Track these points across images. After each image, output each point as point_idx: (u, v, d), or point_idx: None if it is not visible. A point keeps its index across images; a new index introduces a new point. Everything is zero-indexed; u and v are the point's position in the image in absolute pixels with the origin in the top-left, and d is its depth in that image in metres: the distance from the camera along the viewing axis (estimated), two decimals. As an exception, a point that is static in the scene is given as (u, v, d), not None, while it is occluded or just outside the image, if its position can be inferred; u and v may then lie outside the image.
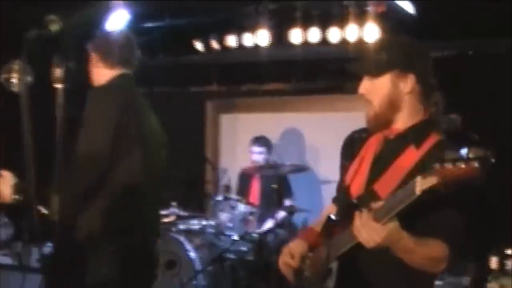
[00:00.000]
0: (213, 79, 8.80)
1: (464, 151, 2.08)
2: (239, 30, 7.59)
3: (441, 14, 6.34)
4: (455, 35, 6.73)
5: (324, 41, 7.08)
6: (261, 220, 7.09)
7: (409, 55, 2.66)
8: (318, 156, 8.21)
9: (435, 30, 6.51)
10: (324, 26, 7.04)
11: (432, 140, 2.59)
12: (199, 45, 7.85)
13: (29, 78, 7.93)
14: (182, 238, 6.52)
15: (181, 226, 6.88)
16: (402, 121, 2.68)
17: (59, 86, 1.39)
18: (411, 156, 2.58)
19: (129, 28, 7.62)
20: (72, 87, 1.39)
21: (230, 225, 6.86)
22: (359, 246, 2.42)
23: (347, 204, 2.69)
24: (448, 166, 2.09)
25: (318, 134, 8.20)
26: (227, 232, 6.83)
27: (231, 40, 7.65)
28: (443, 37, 6.73)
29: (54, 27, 1.33)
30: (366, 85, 2.71)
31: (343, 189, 2.88)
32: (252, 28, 7.47)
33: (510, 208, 6.10)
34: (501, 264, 5.26)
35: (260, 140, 7.68)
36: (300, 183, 7.94)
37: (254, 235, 6.78)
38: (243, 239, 6.72)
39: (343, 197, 2.84)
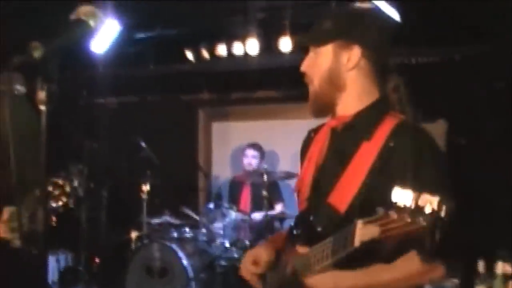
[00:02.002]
0: (204, 87, 8.87)
1: (409, 196, 1.64)
2: (228, 39, 7.68)
3: (425, 20, 6.41)
4: (440, 40, 6.81)
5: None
6: (253, 227, 7.14)
7: (355, 24, 2.27)
8: (309, 162, 8.30)
9: (421, 36, 6.59)
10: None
11: (387, 125, 2.19)
12: (189, 54, 7.93)
13: (21, 89, 7.94)
14: (174, 246, 6.57)
15: (174, 234, 6.93)
16: (348, 105, 2.29)
17: (42, 108, 1.46)
18: (364, 153, 2.18)
19: (120, 39, 7.75)
20: (55, 109, 1.46)
21: (222, 232, 6.91)
22: None
23: (299, 218, 2.43)
24: (393, 216, 1.67)
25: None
26: (219, 240, 6.89)
27: (221, 49, 7.73)
28: (428, 43, 6.82)
29: (37, 53, 1.40)
30: (308, 61, 2.35)
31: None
32: (241, 37, 7.56)
33: (497, 210, 6.17)
34: (489, 267, 5.32)
35: (255, 146, 7.76)
36: (291, 190, 8.01)
37: (246, 242, 6.84)
38: (235, 246, 6.78)
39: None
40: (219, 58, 7.79)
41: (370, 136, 2.18)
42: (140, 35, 7.85)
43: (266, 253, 2.47)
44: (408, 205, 1.63)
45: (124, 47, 7.97)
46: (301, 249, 2.16)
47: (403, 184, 1.67)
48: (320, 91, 2.29)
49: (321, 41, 2.28)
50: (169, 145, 8.42)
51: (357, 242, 1.80)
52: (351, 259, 1.91)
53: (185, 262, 6.46)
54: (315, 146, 2.44)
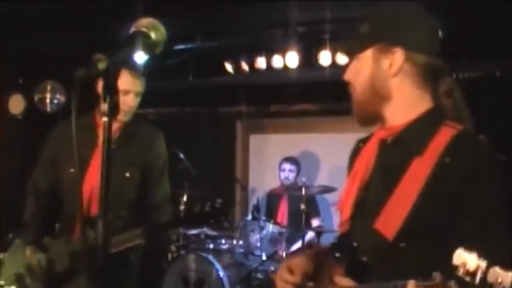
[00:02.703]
0: (243, 100, 8.90)
1: (474, 263, 1.36)
2: (268, 52, 7.70)
3: (467, 35, 6.37)
4: (481, 56, 6.76)
5: (352, 63, 7.14)
6: (289, 241, 7.13)
7: (395, 24, 2.04)
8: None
9: (462, 51, 6.55)
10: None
11: (443, 138, 1.92)
12: (229, 67, 7.96)
13: (62, 98, 8.01)
14: (211, 257, 6.58)
15: (210, 246, 6.95)
16: (397, 115, 2.06)
17: (105, 119, 1.48)
18: (416, 170, 1.92)
19: (161, 51, 7.82)
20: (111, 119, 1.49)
21: (259, 245, 6.91)
22: None
23: (342, 240, 2.23)
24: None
25: (347, 155, 8.21)
26: (256, 252, 6.89)
27: (260, 62, 7.75)
28: (470, 58, 6.77)
29: (102, 65, 1.42)
30: (350, 68, 2.14)
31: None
32: (281, 50, 7.58)
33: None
34: None
35: (292, 159, 7.77)
36: (328, 204, 8.00)
37: (283, 255, 6.83)
38: (272, 259, 6.77)
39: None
40: (258, 71, 7.81)
41: (423, 151, 1.92)
42: (180, 47, 7.91)
43: (304, 264, 2.23)
44: (472, 279, 1.36)
45: (164, 59, 8.05)
46: (343, 281, 1.98)
47: (468, 242, 1.44)
48: (363, 100, 2.08)
49: (359, 47, 2.08)
50: (207, 157, 8.46)
51: None
52: None
53: (221, 273, 6.45)
54: (362, 159, 2.17)
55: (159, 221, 3.78)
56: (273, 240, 7.05)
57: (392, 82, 2.03)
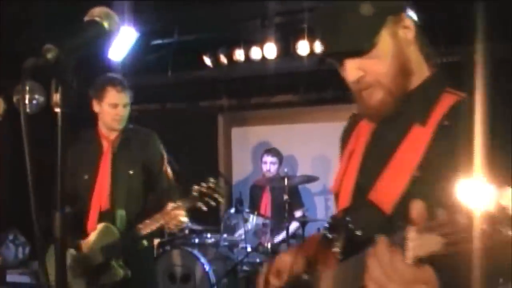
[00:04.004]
0: (223, 93, 8.88)
1: (483, 191, 1.14)
2: (246, 44, 7.68)
3: (443, 21, 6.37)
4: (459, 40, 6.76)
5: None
6: (274, 232, 7.13)
7: None
8: (329, 166, 8.26)
9: (438, 37, 6.55)
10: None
11: (444, 105, 1.73)
12: (207, 60, 7.94)
13: (41, 99, 7.97)
14: (196, 252, 6.57)
15: (195, 240, 6.94)
16: (418, 80, 1.83)
17: (58, 110, 1.45)
18: (415, 139, 1.73)
19: (138, 46, 7.79)
20: (71, 110, 1.46)
21: (243, 237, 6.90)
22: None
23: (336, 220, 1.94)
24: (462, 221, 1.17)
25: (329, 144, 8.22)
26: (241, 245, 6.89)
27: (239, 54, 7.73)
28: (446, 44, 6.77)
29: (51, 55, 1.39)
30: (358, 64, 1.78)
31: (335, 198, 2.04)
32: (259, 42, 7.56)
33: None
34: None
35: (273, 151, 7.75)
36: (311, 194, 8.01)
37: (268, 246, 6.82)
38: (257, 251, 6.76)
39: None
40: (237, 63, 7.79)
41: (425, 120, 1.73)
42: (158, 41, 7.88)
43: (291, 261, 2.02)
44: (482, 206, 1.14)
45: (142, 54, 8.01)
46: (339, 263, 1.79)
47: (472, 171, 1.28)
48: (395, 89, 1.77)
49: (375, 36, 1.74)
50: (189, 151, 8.43)
51: (409, 258, 1.30)
52: None
53: (207, 267, 6.45)
54: (360, 136, 1.97)
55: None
56: (258, 232, 7.04)
57: (411, 49, 1.79)
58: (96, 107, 4.34)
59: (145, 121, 8.98)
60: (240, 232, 6.97)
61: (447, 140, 1.65)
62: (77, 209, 4.29)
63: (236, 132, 9.40)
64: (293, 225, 7.20)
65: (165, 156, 4.62)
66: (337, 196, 1.99)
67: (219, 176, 8.78)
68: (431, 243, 1.23)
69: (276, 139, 8.36)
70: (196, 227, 7.19)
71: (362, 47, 1.74)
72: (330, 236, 1.86)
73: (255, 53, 7.59)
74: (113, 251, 4.15)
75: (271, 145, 8.04)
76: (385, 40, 1.74)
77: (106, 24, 1.61)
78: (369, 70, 1.76)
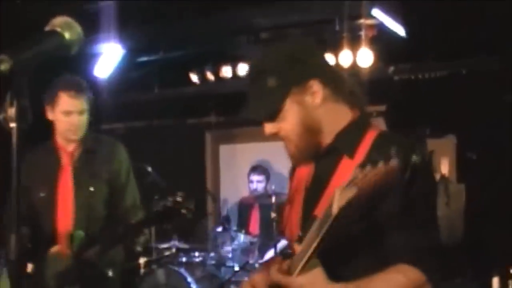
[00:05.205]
0: (211, 110, 8.83)
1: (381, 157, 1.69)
2: (233, 60, 7.64)
3: (431, 34, 6.35)
4: (446, 55, 6.74)
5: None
6: (262, 250, 7.05)
7: (292, 63, 2.10)
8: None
9: (426, 51, 6.52)
10: (317, 53, 7.03)
11: (368, 139, 2.08)
12: (194, 77, 7.89)
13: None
14: (183, 271, 6.48)
15: (182, 259, 6.84)
16: (329, 134, 2.14)
17: (13, 125, 1.37)
18: (346, 168, 1.99)
19: (124, 63, 7.73)
20: (26, 126, 1.38)
21: (231, 256, 6.81)
22: None
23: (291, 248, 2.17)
24: (368, 170, 1.69)
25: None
26: (228, 263, 6.80)
27: (225, 71, 7.69)
28: (435, 58, 6.75)
29: (4, 66, 1.31)
30: (272, 125, 2.15)
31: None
32: (246, 58, 7.51)
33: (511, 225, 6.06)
34: (504, 284, 5.22)
35: (259, 169, 7.69)
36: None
37: (255, 265, 6.74)
38: (245, 270, 6.67)
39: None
40: (224, 80, 7.74)
41: (353, 154, 2.06)
42: (144, 58, 7.83)
43: (265, 280, 2.20)
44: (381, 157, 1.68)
45: (128, 72, 7.96)
46: (274, 274, 2.05)
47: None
48: (301, 144, 2.12)
49: (278, 104, 2.09)
50: (177, 169, 8.37)
51: (335, 209, 1.75)
52: (339, 253, 1.95)
53: (193, 287, 6.35)
54: (300, 178, 2.28)
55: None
56: (245, 250, 6.97)
57: (319, 112, 2.11)
58: (50, 115, 3.79)
59: (131, 138, 9.01)
60: (228, 250, 6.88)
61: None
62: (35, 230, 3.77)
63: (224, 149, 9.32)
64: (282, 243, 7.11)
65: (131, 169, 4.09)
66: (289, 237, 2.26)
67: (207, 194, 8.72)
68: (349, 192, 1.72)
69: (265, 156, 8.28)
70: (183, 245, 7.09)
71: (266, 114, 2.12)
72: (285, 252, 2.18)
73: (242, 69, 7.54)
74: (66, 278, 3.64)
75: (259, 162, 7.96)
76: (290, 106, 2.08)
77: (67, 35, 1.53)
78: (280, 129, 2.12)
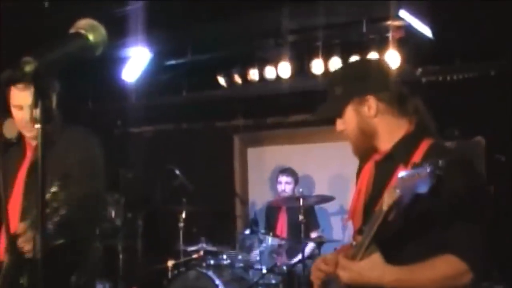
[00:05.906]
0: (239, 113, 8.82)
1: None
2: (260, 63, 7.63)
3: (459, 36, 6.29)
4: (474, 56, 6.68)
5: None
6: (290, 252, 7.04)
7: (356, 79, 2.61)
8: (346, 186, 8.15)
9: (454, 52, 6.47)
10: (345, 55, 7.01)
11: (421, 149, 2.47)
12: (222, 80, 7.89)
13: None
14: (211, 273, 6.49)
15: (210, 261, 6.86)
16: (386, 142, 2.58)
17: (37, 126, 1.38)
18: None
19: (152, 66, 7.77)
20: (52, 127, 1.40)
21: (259, 258, 6.81)
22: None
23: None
24: (410, 174, 2.14)
25: (346, 164, 8.12)
26: (256, 266, 6.79)
27: (253, 74, 7.68)
28: (463, 59, 6.69)
29: (29, 68, 1.32)
30: (339, 123, 2.63)
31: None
32: (273, 61, 7.50)
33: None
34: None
35: (288, 171, 7.69)
36: (328, 214, 7.91)
37: (283, 267, 6.74)
38: (272, 272, 6.67)
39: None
40: (251, 83, 7.74)
41: (407, 162, 2.40)
42: (171, 62, 7.86)
43: (334, 258, 2.58)
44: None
45: (156, 75, 7.99)
46: (341, 260, 2.45)
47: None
48: (357, 142, 2.60)
49: (340, 109, 2.58)
50: (205, 172, 8.40)
51: (384, 207, 2.22)
52: (394, 240, 2.34)
53: (222, 289, 6.37)
54: (363, 178, 2.72)
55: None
56: (273, 253, 6.96)
57: (375, 121, 2.55)
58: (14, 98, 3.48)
59: (160, 141, 9.06)
60: (256, 253, 6.89)
61: None
62: None
63: (252, 152, 9.30)
64: (309, 246, 7.10)
65: (94, 163, 3.64)
66: (352, 223, 2.73)
67: (236, 196, 8.73)
68: (395, 193, 2.21)
69: (292, 159, 8.26)
70: (211, 248, 7.11)
71: (328, 116, 2.66)
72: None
73: (270, 72, 7.54)
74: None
75: (287, 165, 7.95)
76: (349, 113, 2.57)
77: (91, 37, 1.54)
78: (344, 128, 2.61)
